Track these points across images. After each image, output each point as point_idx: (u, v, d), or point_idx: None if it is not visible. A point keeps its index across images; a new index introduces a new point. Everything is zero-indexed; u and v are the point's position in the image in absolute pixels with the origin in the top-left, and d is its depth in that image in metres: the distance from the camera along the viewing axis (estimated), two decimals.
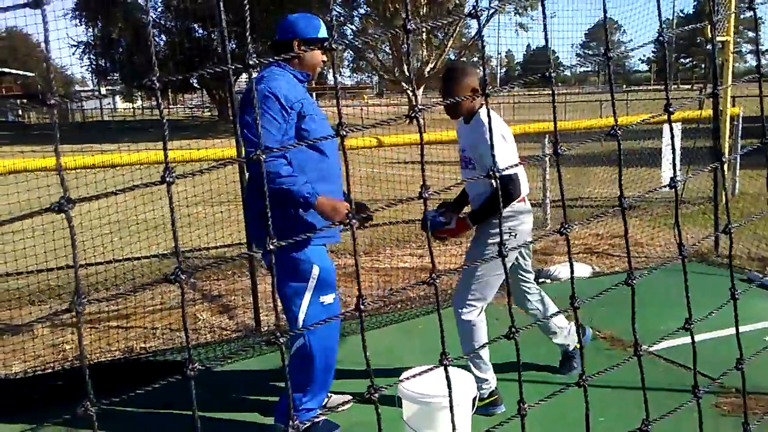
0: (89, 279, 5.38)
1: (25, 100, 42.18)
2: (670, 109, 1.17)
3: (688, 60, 71.42)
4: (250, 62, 0.86)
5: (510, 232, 3.00)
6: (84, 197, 0.75)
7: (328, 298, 2.74)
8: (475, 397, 2.61)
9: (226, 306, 4.85)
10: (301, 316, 2.71)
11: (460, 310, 3.04)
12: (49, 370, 3.70)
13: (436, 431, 2.51)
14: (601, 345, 3.79)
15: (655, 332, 3.48)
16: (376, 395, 0.92)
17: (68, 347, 4.11)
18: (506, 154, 2.86)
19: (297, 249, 2.64)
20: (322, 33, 2.76)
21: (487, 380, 3.07)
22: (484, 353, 3.09)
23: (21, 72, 43.37)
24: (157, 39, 31.80)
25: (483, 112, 2.97)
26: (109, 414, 3.11)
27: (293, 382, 2.74)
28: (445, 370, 1.00)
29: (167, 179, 0.74)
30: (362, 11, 30.84)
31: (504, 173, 2.78)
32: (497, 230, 3.01)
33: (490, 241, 3.02)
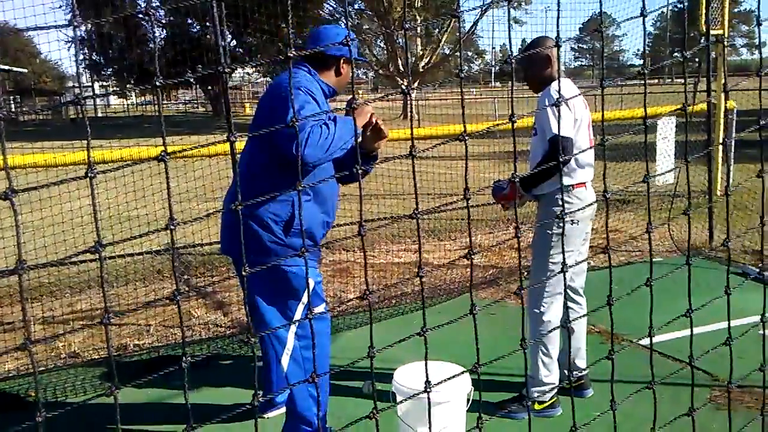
0: (81, 276, 5.35)
1: (18, 97, 41.95)
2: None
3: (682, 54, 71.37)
4: (290, 54, 0.90)
5: (572, 220, 2.82)
6: (25, 188, 0.82)
7: (319, 309, 2.64)
8: (470, 392, 2.58)
9: (221, 302, 4.83)
10: (291, 338, 2.60)
11: (535, 310, 2.89)
12: (42, 368, 3.68)
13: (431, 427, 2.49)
14: (595, 339, 3.80)
15: (647, 326, 3.47)
16: (379, 416, 0.93)
17: (61, 345, 4.08)
18: (563, 122, 2.67)
19: (293, 264, 2.52)
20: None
21: (553, 384, 2.93)
22: (555, 354, 2.95)
23: (12, 68, 43.08)
24: (152, 34, 31.58)
25: (555, 84, 2.81)
26: (101, 411, 3.09)
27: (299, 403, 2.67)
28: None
29: (89, 175, 0.81)
30: (357, 7, 30.67)
31: (556, 135, 2.69)
32: (554, 219, 2.82)
33: (549, 231, 2.85)
